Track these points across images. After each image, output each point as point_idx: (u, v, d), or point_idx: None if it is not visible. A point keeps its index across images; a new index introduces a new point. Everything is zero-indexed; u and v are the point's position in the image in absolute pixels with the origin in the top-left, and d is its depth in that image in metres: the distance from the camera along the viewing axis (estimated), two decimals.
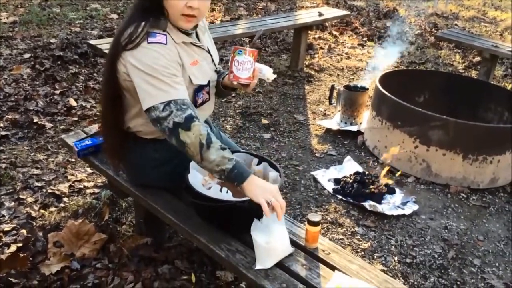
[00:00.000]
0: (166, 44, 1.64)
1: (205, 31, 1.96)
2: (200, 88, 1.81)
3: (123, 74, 1.70)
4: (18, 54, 4.96)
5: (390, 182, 2.96)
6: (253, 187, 1.58)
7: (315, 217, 1.71)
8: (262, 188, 1.59)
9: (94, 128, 2.48)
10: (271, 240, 1.63)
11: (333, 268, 1.67)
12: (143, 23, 1.64)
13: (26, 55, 4.89)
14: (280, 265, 1.66)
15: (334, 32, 6.58)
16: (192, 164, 1.82)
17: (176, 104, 1.59)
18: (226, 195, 1.68)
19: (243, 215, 1.70)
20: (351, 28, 6.88)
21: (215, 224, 1.78)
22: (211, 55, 1.92)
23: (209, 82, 1.86)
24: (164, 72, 1.61)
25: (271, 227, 1.68)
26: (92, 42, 3.68)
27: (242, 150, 1.99)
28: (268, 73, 1.91)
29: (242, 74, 1.78)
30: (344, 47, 6.11)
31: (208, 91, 1.88)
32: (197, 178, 1.80)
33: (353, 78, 5.08)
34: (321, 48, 5.96)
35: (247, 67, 1.78)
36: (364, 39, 6.51)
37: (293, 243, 1.76)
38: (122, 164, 2.04)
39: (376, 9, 8.08)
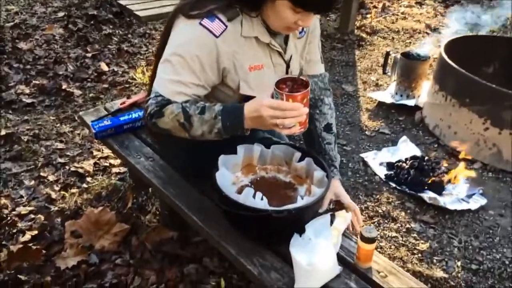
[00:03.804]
0: (217, 37, 1.37)
1: (304, 35, 1.59)
2: (247, 99, 1.46)
3: None
4: (52, 12, 4.74)
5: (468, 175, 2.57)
6: (253, 123, 1.34)
7: (370, 232, 1.38)
8: (259, 118, 1.31)
9: (117, 104, 2.20)
10: (315, 261, 1.32)
11: None
12: (213, 1, 1.39)
13: (60, 14, 4.67)
14: None
15: None
16: (222, 160, 1.51)
17: (162, 99, 1.40)
18: (260, 202, 1.37)
19: (280, 227, 1.39)
20: None
21: (247, 234, 1.49)
22: (289, 66, 1.56)
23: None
24: (183, 63, 1.38)
25: (314, 242, 1.37)
26: (123, 2, 3.36)
27: (281, 142, 1.66)
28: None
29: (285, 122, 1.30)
30: (400, 6, 5.52)
31: None
32: (227, 177, 1.49)
33: (410, 42, 4.57)
34: (374, 7, 5.41)
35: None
36: None
37: (340, 259, 1.44)
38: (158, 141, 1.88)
39: None
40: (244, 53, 1.43)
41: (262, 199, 1.37)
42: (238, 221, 1.45)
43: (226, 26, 1.37)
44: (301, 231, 1.39)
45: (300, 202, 1.38)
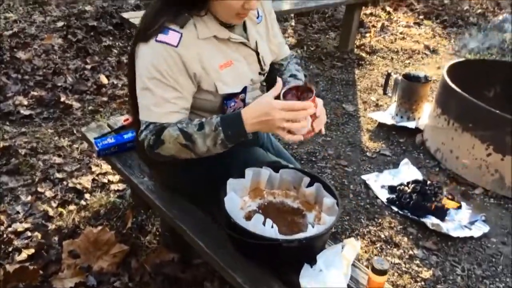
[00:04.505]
0: (176, 46, 1.36)
1: (262, 19, 1.59)
2: (230, 96, 1.47)
3: None
4: (51, 21, 4.69)
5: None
6: (256, 127, 1.35)
7: (381, 263, 1.35)
8: (262, 120, 1.32)
9: (120, 120, 2.16)
10: None
11: None
12: (163, 14, 1.37)
13: (59, 24, 4.62)
14: None
15: (388, 8, 6.02)
16: (230, 185, 1.48)
17: (155, 127, 1.40)
18: (270, 230, 1.33)
19: (290, 256, 1.36)
20: (406, 3, 6.29)
21: (254, 261, 1.45)
22: (258, 53, 1.54)
23: (245, 88, 1.51)
24: (158, 83, 1.37)
25: (325, 273, 1.33)
26: (125, 15, 3.34)
27: (290, 166, 1.63)
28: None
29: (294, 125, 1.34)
30: (399, 26, 5.56)
31: (243, 99, 1.53)
32: (235, 202, 1.46)
33: (409, 63, 4.58)
34: (373, 26, 5.44)
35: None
36: (421, 17, 5.93)
37: None
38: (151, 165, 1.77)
39: None
40: (209, 54, 1.42)
41: (272, 227, 1.34)
42: (246, 248, 1.41)
43: (181, 34, 1.36)
44: (312, 261, 1.35)
45: (311, 231, 1.35)
